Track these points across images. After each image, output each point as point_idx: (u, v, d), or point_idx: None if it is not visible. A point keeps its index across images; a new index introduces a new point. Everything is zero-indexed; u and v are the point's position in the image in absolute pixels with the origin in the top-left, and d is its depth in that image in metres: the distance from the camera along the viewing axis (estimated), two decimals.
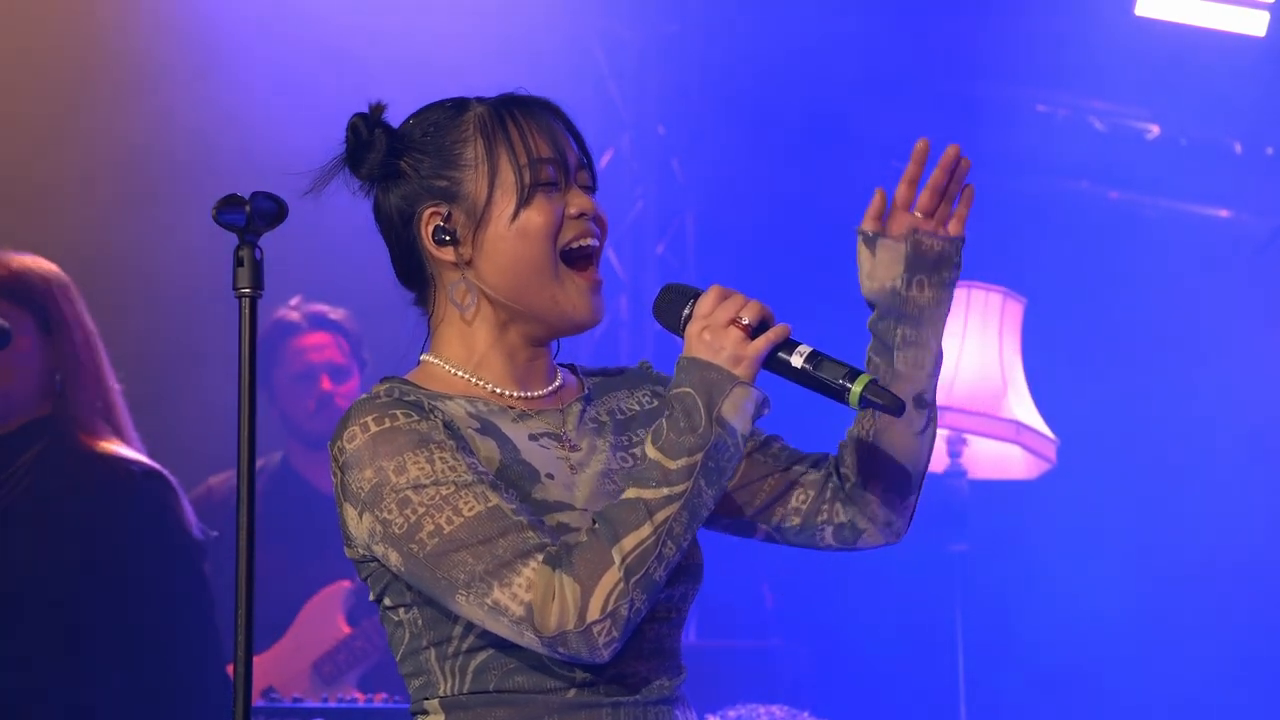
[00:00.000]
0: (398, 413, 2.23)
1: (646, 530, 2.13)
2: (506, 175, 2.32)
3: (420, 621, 2.25)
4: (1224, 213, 6.64)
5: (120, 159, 5.86)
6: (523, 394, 2.35)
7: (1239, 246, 6.51)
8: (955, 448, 5.09)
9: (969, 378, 5.09)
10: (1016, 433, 5.11)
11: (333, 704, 4.82)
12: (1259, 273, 6.42)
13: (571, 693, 2.22)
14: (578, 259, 2.35)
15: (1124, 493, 6.25)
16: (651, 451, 2.17)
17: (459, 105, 2.38)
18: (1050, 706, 6.22)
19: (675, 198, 6.69)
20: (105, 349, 3.94)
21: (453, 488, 2.18)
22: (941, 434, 5.09)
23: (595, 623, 2.12)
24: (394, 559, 2.20)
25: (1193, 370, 6.30)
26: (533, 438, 2.31)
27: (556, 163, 2.35)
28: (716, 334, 2.20)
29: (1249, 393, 6.27)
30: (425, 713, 2.27)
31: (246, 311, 2.27)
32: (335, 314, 5.43)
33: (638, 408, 2.43)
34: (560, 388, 2.39)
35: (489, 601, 2.14)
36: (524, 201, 2.32)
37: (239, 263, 2.26)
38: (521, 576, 2.13)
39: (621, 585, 2.12)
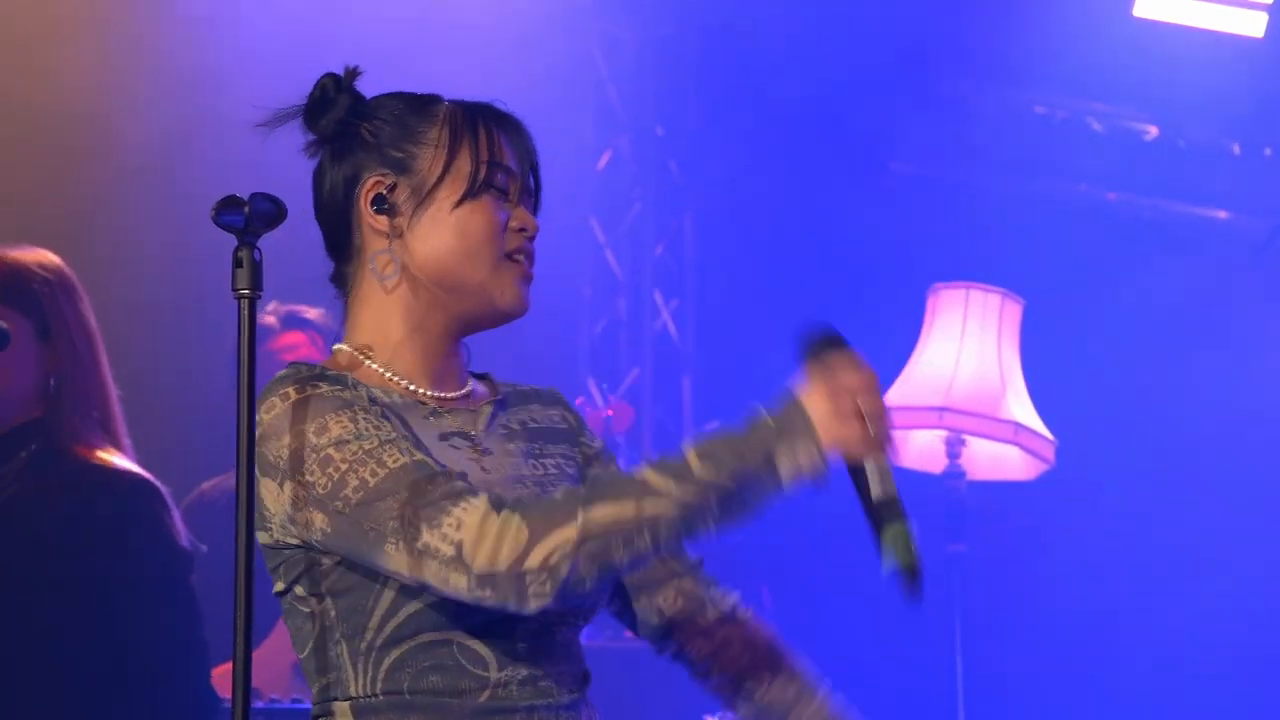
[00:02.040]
0: (320, 382, 2.20)
1: (630, 509, 2.03)
2: (463, 165, 2.27)
3: (334, 613, 2.18)
4: (1222, 214, 6.64)
5: (119, 158, 5.86)
6: (437, 393, 2.29)
7: (1237, 248, 6.51)
8: (954, 449, 5.08)
9: (967, 379, 5.08)
10: (1015, 433, 5.10)
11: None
12: (1257, 274, 6.42)
13: (485, 695, 2.16)
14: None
15: (1122, 494, 6.24)
16: (688, 449, 2.07)
17: (433, 97, 2.34)
18: (1049, 708, 6.22)
19: (673, 199, 6.68)
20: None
21: (376, 442, 2.12)
22: (940, 434, 5.08)
23: (530, 571, 2.03)
24: (319, 522, 2.13)
25: (1191, 372, 6.29)
26: (443, 437, 2.25)
27: (513, 176, 2.30)
28: (841, 410, 2.05)
29: (1248, 394, 6.26)
30: (330, 714, 2.19)
31: (245, 313, 2.25)
32: (310, 313, 5.37)
33: (549, 424, 2.37)
34: (471, 393, 2.33)
35: (419, 545, 2.05)
36: (472, 193, 2.26)
37: (238, 264, 2.23)
38: (451, 516, 2.05)
39: (573, 546, 2.02)
